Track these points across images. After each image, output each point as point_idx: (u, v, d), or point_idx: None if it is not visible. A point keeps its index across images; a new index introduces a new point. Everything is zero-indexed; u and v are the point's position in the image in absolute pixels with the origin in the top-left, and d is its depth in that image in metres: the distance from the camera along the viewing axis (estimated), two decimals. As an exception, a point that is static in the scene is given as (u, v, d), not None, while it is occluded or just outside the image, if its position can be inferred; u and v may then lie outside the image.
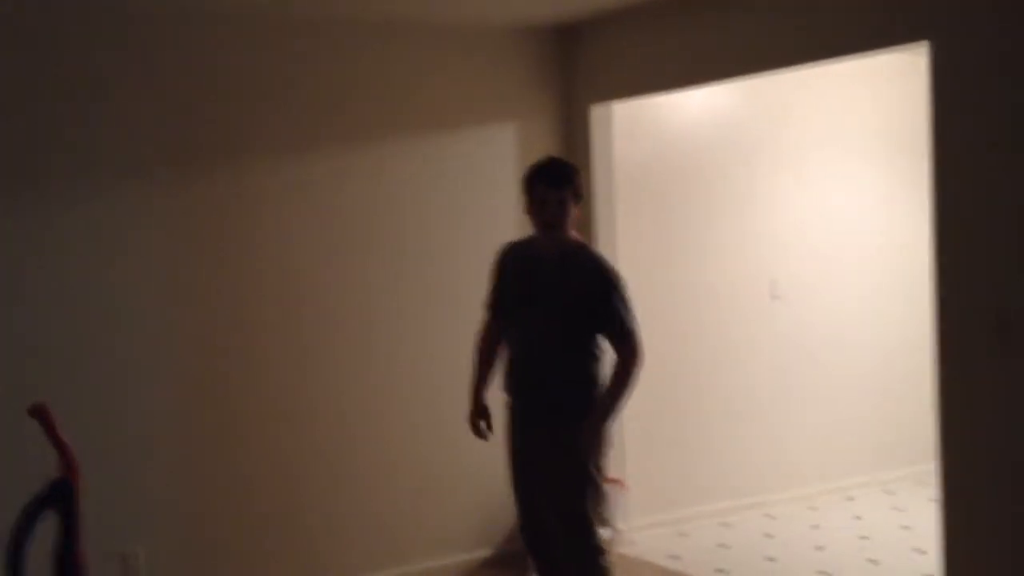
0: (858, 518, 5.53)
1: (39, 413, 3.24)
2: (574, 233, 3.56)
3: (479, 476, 4.77)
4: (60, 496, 3.20)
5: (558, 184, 3.45)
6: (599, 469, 3.52)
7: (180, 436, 4.27)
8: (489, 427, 3.73)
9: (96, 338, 4.10)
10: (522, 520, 3.69)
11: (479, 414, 3.73)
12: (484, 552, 4.91)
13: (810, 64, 4.07)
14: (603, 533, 3.58)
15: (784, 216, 5.69)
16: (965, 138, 3.37)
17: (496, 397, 3.71)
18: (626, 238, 5.03)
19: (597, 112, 4.95)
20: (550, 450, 3.50)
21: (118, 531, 4.10)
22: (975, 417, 3.40)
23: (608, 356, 3.54)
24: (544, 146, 4.87)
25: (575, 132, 5.03)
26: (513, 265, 3.66)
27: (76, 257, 4.06)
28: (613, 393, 3.45)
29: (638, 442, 5.09)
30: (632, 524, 5.14)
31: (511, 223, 4.73)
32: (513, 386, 3.62)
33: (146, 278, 4.20)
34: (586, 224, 4.77)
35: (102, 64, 4.09)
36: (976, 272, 3.37)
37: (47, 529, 3.17)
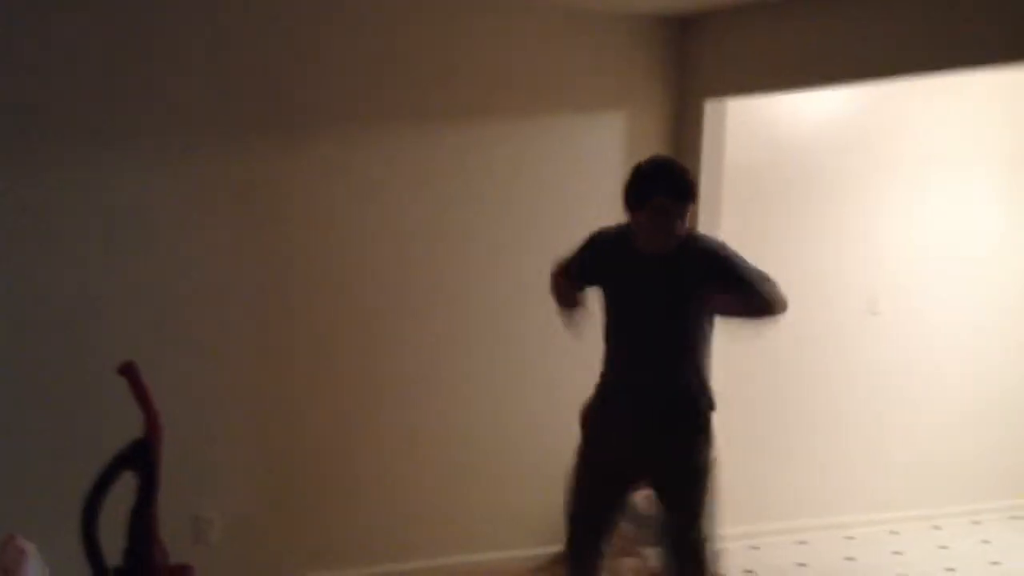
0: (944, 548, 5.31)
1: (128, 372, 3.21)
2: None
3: (558, 470, 4.66)
4: (140, 456, 3.17)
5: (684, 197, 3.22)
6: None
7: (260, 406, 4.25)
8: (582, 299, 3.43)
9: (172, 305, 4.09)
10: (584, 531, 3.55)
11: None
12: (556, 547, 4.80)
13: (949, 72, 3.79)
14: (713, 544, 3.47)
15: (892, 232, 5.46)
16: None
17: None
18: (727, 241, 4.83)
19: (711, 108, 4.75)
20: (674, 454, 3.34)
21: (194, 495, 4.09)
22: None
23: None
24: (652, 138, 4.71)
25: (685, 127, 4.83)
26: (612, 255, 3.41)
27: (147, 223, 4.02)
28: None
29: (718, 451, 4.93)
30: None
31: (612, 215, 4.58)
32: (623, 388, 3.41)
33: (229, 247, 4.16)
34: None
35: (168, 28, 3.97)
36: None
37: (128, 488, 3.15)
